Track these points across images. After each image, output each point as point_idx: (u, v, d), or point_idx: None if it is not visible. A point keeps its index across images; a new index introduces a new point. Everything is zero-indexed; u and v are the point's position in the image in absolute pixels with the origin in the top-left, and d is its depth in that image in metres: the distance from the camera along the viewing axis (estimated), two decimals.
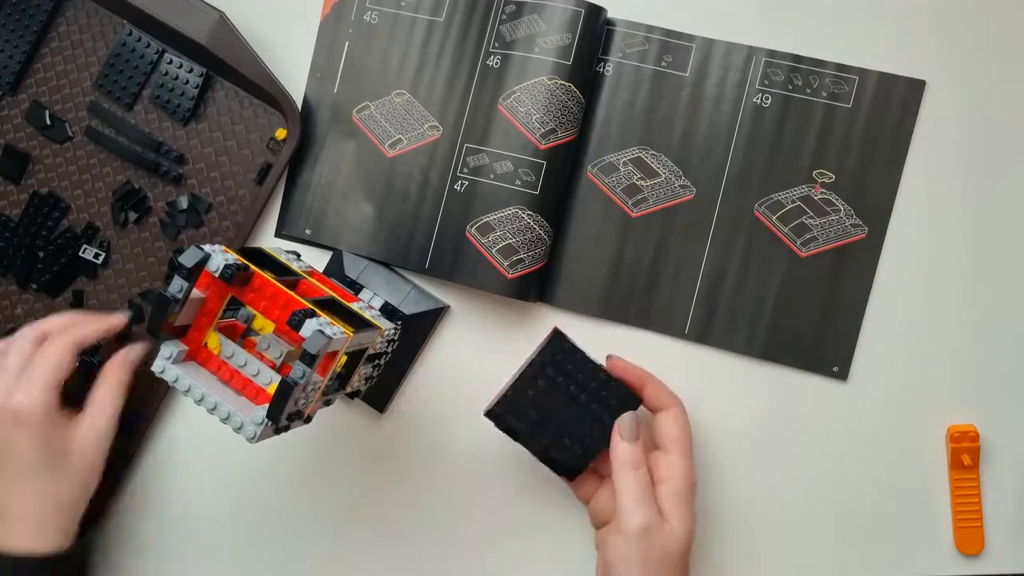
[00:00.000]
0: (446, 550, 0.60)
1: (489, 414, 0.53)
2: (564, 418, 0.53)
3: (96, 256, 0.61)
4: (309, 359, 0.43)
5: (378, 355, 0.55)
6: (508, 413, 0.53)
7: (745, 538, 0.58)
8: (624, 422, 0.52)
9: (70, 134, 0.62)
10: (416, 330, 0.59)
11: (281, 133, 0.60)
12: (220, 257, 0.45)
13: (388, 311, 0.58)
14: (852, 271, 0.57)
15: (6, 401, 0.51)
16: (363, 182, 0.60)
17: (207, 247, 0.46)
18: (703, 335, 0.58)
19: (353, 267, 0.59)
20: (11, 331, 0.61)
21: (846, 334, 0.57)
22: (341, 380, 0.51)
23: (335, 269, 0.59)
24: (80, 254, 0.61)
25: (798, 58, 0.58)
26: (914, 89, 0.57)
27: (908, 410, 0.57)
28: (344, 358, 0.49)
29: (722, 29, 0.58)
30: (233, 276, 0.45)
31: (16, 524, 0.52)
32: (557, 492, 0.58)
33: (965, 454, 0.56)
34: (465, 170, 0.58)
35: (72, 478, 0.53)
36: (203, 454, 0.61)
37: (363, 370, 0.53)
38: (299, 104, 0.60)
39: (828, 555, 0.58)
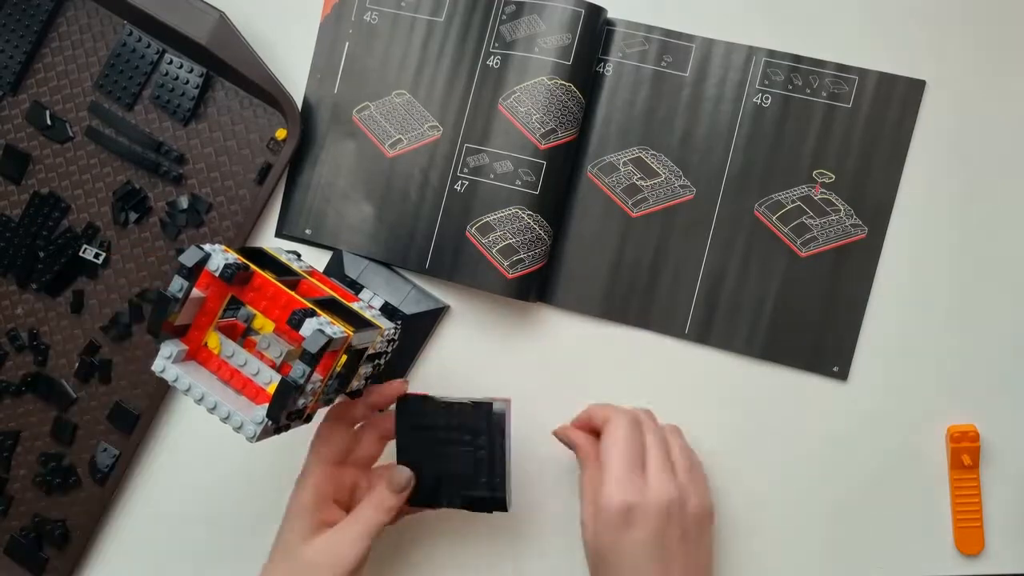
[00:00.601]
0: (445, 550, 0.59)
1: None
2: (455, 463, 0.51)
3: (96, 256, 0.61)
4: (309, 358, 0.43)
5: (378, 355, 0.55)
6: (415, 490, 0.52)
7: (744, 538, 0.58)
8: (572, 435, 0.53)
9: (70, 134, 0.62)
10: (416, 330, 0.59)
11: (281, 133, 0.60)
12: (220, 256, 0.45)
13: (388, 311, 0.58)
14: (852, 271, 0.57)
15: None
16: (363, 182, 0.60)
17: (207, 247, 0.46)
18: (703, 335, 0.58)
19: (353, 267, 0.59)
20: (11, 331, 0.62)
21: (846, 334, 0.57)
22: (341, 380, 0.51)
23: (335, 269, 0.59)
24: (80, 254, 0.61)
25: (798, 58, 0.58)
26: (914, 89, 0.57)
27: (908, 410, 0.57)
28: (344, 358, 0.49)
29: (722, 29, 0.58)
30: (233, 275, 0.45)
31: None
32: (557, 489, 0.58)
33: (965, 454, 0.56)
34: (465, 170, 0.58)
35: None
36: (203, 454, 0.61)
37: (363, 370, 0.54)
38: (299, 104, 0.61)
39: (828, 555, 0.58)
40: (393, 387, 0.53)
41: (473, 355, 0.60)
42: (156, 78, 0.61)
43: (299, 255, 0.54)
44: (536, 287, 0.58)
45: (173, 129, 0.61)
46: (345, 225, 0.60)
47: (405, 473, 0.52)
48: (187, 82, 0.60)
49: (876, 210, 0.57)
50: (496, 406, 0.51)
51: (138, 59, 0.61)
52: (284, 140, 0.60)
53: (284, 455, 0.60)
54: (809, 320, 0.57)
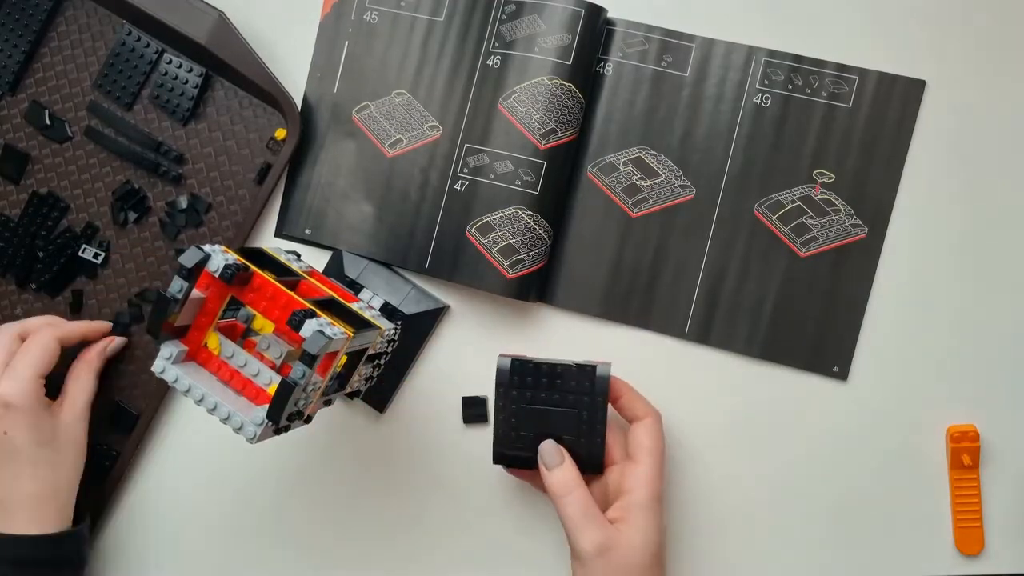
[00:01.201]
0: (446, 550, 0.59)
1: (496, 461, 0.54)
2: (555, 424, 0.53)
3: (96, 256, 0.61)
4: (309, 359, 0.43)
5: (378, 355, 0.55)
6: (508, 450, 0.53)
7: (745, 538, 0.58)
8: (543, 452, 0.52)
9: (69, 134, 0.62)
10: (416, 330, 0.59)
11: (281, 133, 0.60)
12: (220, 257, 0.45)
13: (388, 311, 0.58)
14: (852, 271, 0.57)
15: None
16: (363, 182, 0.60)
17: (207, 247, 0.46)
18: (703, 335, 0.58)
19: (353, 267, 0.59)
20: None
21: (846, 334, 0.57)
22: (341, 380, 0.51)
23: (335, 269, 0.59)
24: (80, 254, 0.61)
25: (798, 58, 0.58)
26: (914, 89, 0.57)
27: (908, 410, 0.57)
28: (344, 358, 0.49)
29: (722, 29, 0.58)
30: (233, 276, 0.45)
31: (16, 509, 0.53)
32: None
33: (965, 454, 0.56)
34: (465, 170, 0.58)
35: (64, 461, 0.55)
36: (203, 454, 0.61)
37: (363, 370, 0.53)
38: (299, 104, 0.60)
39: (828, 555, 0.58)
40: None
41: (473, 355, 0.59)
42: (155, 78, 0.61)
43: (299, 255, 0.54)
44: (536, 287, 0.58)
45: (172, 129, 0.61)
46: (345, 225, 0.60)
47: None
48: (186, 82, 0.60)
49: (876, 210, 0.57)
50: (600, 369, 0.52)
51: (137, 59, 0.61)
52: (284, 140, 0.60)
53: (284, 455, 0.60)
54: (809, 320, 0.57)
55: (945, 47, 0.58)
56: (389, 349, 0.57)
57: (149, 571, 0.61)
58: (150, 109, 0.61)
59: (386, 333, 0.51)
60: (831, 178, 0.58)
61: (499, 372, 0.53)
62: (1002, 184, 0.57)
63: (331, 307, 0.48)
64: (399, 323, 0.57)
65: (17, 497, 0.53)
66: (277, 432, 0.47)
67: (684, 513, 0.58)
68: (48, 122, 0.62)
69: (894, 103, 0.57)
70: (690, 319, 0.58)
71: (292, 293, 0.46)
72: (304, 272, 0.51)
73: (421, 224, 0.59)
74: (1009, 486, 0.57)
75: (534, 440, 0.53)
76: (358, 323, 0.48)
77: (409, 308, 0.58)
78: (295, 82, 0.61)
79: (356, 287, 0.59)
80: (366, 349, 0.51)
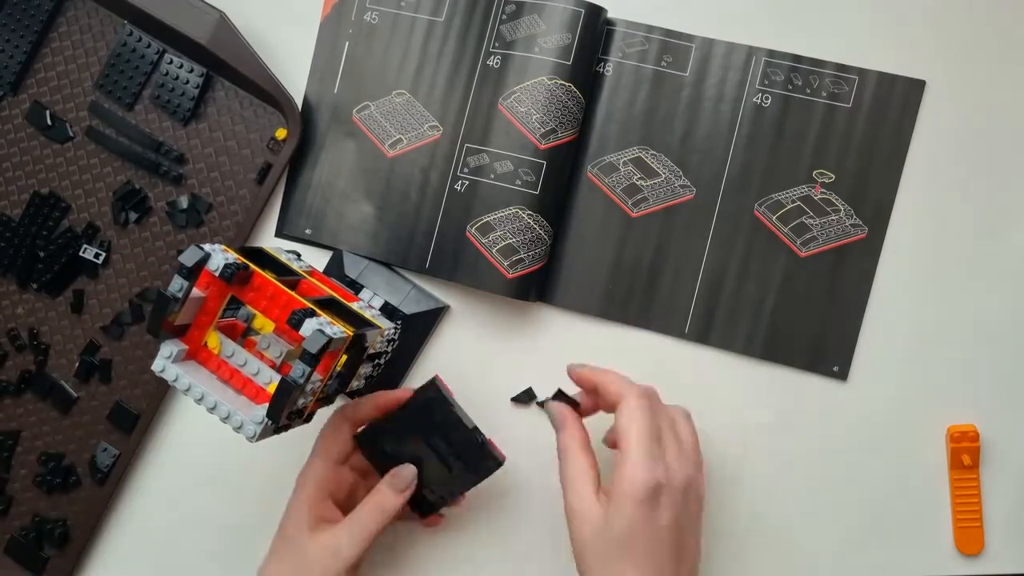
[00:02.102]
0: (446, 549, 0.59)
1: (357, 437, 0.54)
2: (423, 459, 0.53)
3: (96, 256, 0.61)
4: (309, 358, 0.43)
5: (378, 355, 0.55)
6: (373, 441, 0.53)
7: (744, 538, 0.58)
8: (554, 412, 0.50)
9: (71, 134, 0.62)
10: (416, 330, 0.59)
11: (281, 133, 0.60)
12: (220, 256, 0.45)
13: (388, 311, 0.58)
14: (852, 271, 0.57)
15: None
16: (363, 182, 0.60)
17: (207, 246, 0.46)
18: (703, 335, 0.58)
19: (353, 267, 0.59)
20: (11, 331, 0.62)
21: (846, 334, 0.57)
22: (341, 379, 0.51)
23: (335, 269, 0.59)
24: (80, 254, 0.61)
25: (798, 58, 0.58)
26: (914, 89, 0.57)
27: (908, 410, 0.57)
28: (344, 357, 0.49)
29: (722, 29, 0.58)
30: (233, 275, 0.45)
31: None
32: (552, 493, 0.58)
33: (965, 454, 0.56)
34: (465, 170, 0.58)
35: None
36: (203, 454, 0.61)
37: (363, 369, 0.54)
38: (299, 104, 0.61)
39: (828, 555, 0.58)
40: (400, 393, 0.54)
41: (473, 355, 0.60)
42: (156, 78, 0.61)
43: (299, 255, 0.54)
44: (536, 287, 0.58)
45: (173, 129, 0.61)
46: (345, 225, 0.60)
47: (407, 472, 0.52)
48: (187, 82, 0.60)
49: (876, 210, 0.57)
50: (491, 465, 0.53)
51: (138, 59, 0.61)
52: (284, 140, 0.60)
53: (284, 455, 0.60)
54: (809, 320, 0.57)
55: (945, 47, 0.58)
56: (389, 349, 0.57)
57: (150, 570, 0.61)
58: (151, 109, 0.61)
59: (386, 332, 0.51)
60: (831, 178, 0.58)
61: (425, 390, 0.52)
62: (1002, 184, 0.57)
63: (331, 306, 0.48)
64: (399, 323, 0.57)
65: None
66: (277, 431, 0.47)
67: None
68: (49, 122, 0.62)
69: (894, 103, 0.57)
70: (690, 319, 0.58)
71: (292, 292, 0.46)
72: (304, 272, 0.51)
73: (421, 224, 0.59)
74: (1009, 486, 0.57)
75: (393, 456, 0.53)
76: (358, 322, 0.48)
77: (409, 308, 0.58)
78: (295, 82, 0.61)
79: (356, 287, 0.59)
80: (366, 348, 0.51)
